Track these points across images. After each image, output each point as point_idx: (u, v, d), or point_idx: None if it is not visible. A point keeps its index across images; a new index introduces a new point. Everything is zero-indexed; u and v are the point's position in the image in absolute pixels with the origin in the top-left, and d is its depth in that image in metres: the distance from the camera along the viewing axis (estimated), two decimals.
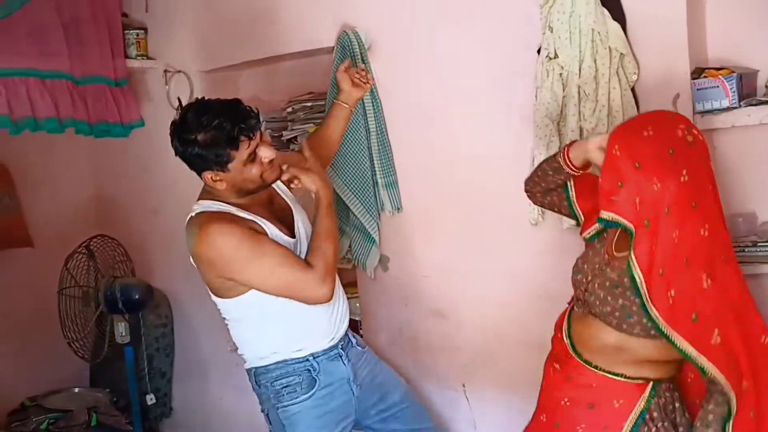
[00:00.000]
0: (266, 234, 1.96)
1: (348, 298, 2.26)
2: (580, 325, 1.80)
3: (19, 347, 3.51)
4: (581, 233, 1.84)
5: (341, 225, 2.74)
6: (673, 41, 2.05)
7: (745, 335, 1.59)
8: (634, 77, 2.10)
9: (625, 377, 1.72)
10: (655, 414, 1.71)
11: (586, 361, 1.76)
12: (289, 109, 2.93)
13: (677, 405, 1.75)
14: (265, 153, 1.93)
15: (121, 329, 3.19)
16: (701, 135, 1.66)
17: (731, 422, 1.58)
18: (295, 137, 2.91)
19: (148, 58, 3.26)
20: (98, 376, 3.68)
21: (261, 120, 1.98)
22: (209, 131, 1.85)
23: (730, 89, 1.98)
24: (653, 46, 2.08)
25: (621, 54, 2.08)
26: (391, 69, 2.60)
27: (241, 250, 1.90)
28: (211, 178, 1.94)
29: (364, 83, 2.34)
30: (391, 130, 2.64)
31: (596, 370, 1.74)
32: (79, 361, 3.46)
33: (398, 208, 2.66)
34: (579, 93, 2.12)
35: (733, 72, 2.00)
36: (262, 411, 2.16)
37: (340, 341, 2.13)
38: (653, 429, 1.71)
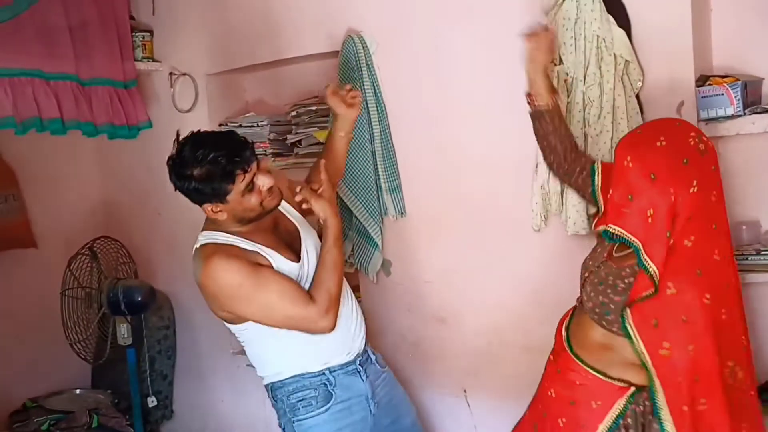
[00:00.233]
0: (270, 266, 1.96)
1: None
2: (577, 320, 1.84)
3: (21, 348, 3.51)
4: (595, 226, 1.79)
5: (344, 229, 2.74)
6: (678, 48, 2.06)
7: (721, 362, 1.61)
8: (639, 84, 2.10)
9: (608, 376, 1.73)
10: (629, 420, 1.72)
11: (575, 355, 1.80)
12: (294, 113, 2.94)
13: (651, 417, 1.74)
14: (263, 182, 1.93)
15: (124, 331, 3.19)
16: (710, 142, 1.66)
17: None
18: (300, 141, 2.92)
19: (154, 60, 3.27)
20: (100, 378, 3.67)
21: (255, 152, 1.95)
22: (204, 166, 1.86)
23: (735, 97, 1.98)
24: (658, 53, 2.09)
25: (626, 61, 2.08)
26: (395, 73, 2.60)
27: (244, 287, 1.90)
28: (212, 210, 1.95)
29: (355, 101, 2.26)
30: (395, 135, 2.64)
31: (583, 365, 1.77)
32: (80, 362, 3.46)
33: (402, 213, 2.66)
34: (583, 99, 2.13)
35: (738, 80, 2.00)
36: (280, 425, 2.14)
37: (357, 356, 2.11)
38: None
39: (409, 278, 2.70)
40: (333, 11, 2.71)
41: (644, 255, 1.60)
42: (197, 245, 2.00)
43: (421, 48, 2.54)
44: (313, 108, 2.88)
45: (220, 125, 3.12)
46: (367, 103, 2.58)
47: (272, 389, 2.09)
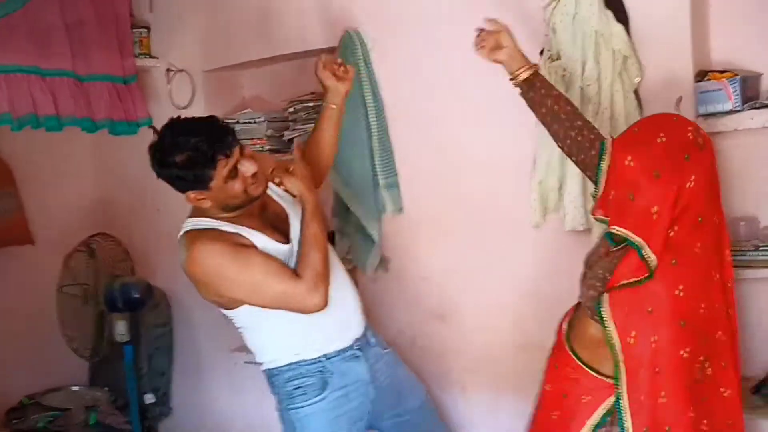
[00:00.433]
0: (254, 246, 1.93)
1: None
2: (577, 315, 1.85)
3: (18, 345, 3.50)
4: (592, 212, 1.76)
5: (342, 225, 2.73)
6: (676, 44, 2.05)
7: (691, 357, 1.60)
8: (637, 80, 2.09)
9: (600, 373, 1.74)
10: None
11: (572, 350, 1.81)
12: (291, 109, 2.93)
13: None
14: (246, 167, 1.90)
15: (121, 328, 3.17)
16: (708, 136, 1.67)
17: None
18: (297, 137, 2.90)
19: (151, 56, 3.26)
20: (97, 375, 3.66)
21: (237, 137, 1.91)
22: (185, 152, 1.83)
23: (734, 92, 1.98)
24: (657, 49, 2.08)
25: (624, 56, 2.07)
26: (393, 69, 2.60)
27: (227, 268, 1.88)
28: (195, 197, 1.92)
29: (346, 75, 2.20)
30: (393, 132, 2.63)
31: (577, 360, 1.78)
32: (78, 359, 3.46)
33: (399, 209, 2.65)
34: (581, 95, 2.12)
35: (737, 75, 1.99)
36: (278, 411, 2.12)
37: (355, 341, 2.08)
38: None
39: (408, 275, 2.70)
40: (330, 7, 2.70)
41: (647, 251, 1.59)
42: (180, 233, 1.98)
43: (419, 44, 2.53)
44: (311, 104, 2.87)
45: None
46: (364, 100, 2.57)
47: (269, 376, 2.08)
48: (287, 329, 2.00)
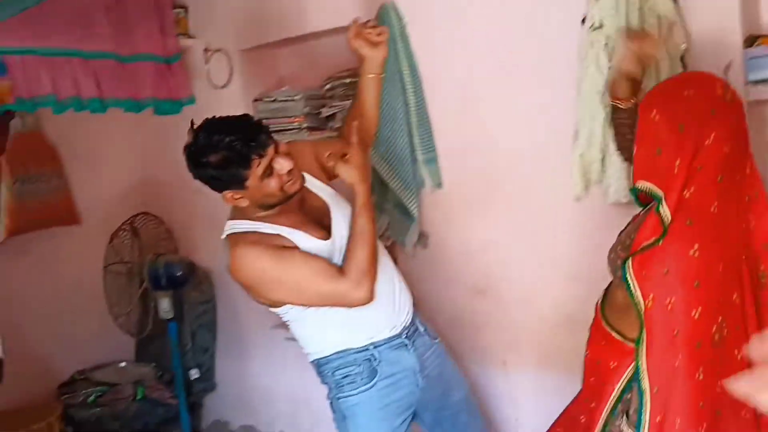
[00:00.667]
0: (295, 247, 1.92)
1: None
2: (612, 282, 1.84)
3: (68, 322, 3.60)
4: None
5: (380, 202, 2.72)
6: (724, 8, 1.97)
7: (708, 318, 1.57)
8: (684, 46, 2.02)
9: (626, 338, 1.72)
10: None
11: (603, 316, 1.81)
12: (328, 86, 2.91)
13: None
14: (282, 165, 1.88)
15: (165, 305, 3.23)
16: (737, 93, 1.64)
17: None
18: (334, 114, 2.89)
19: (189, 36, 3.28)
20: (144, 351, 3.75)
21: (271, 135, 1.89)
22: (220, 152, 1.82)
23: None
24: (704, 14, 2.00)
25: (670, 22, 2.00)
26: (430, 43, 2.56)
27: (269, 271, 1.88)
28: (232, 197, 1.91)
29: (380, 38, 2.12)
30: (431, 106, 2.60)
31: (606, 326, 1.78)
32: (125, 336, 3.54)
33: (438, 184, 2.63)
34: None
35: None
36: (328, 399, 2.12)
37: (404, 330, 2.06)
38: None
39: (447, 250, 2.68)
40: None
41: (664, 205, 1.57)
42: (223, 236, 1.99)
43: (455, 16, 2.49)
44: (347, 81, 2.84)
45: (255, 100, 3.12)
46: (401, 75, 2.55)
47: (318, 365, 2.08)
48: (334, 321, 1.99)
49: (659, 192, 1.58)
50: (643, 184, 1.60)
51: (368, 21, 2.20)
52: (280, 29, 3.02)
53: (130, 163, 3.78)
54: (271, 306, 2.01)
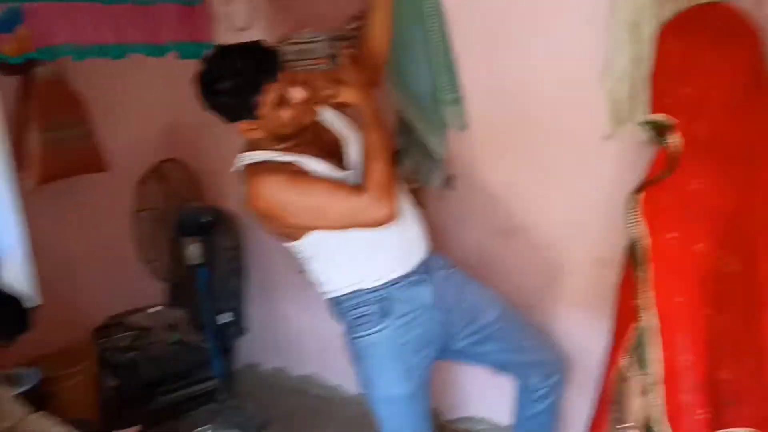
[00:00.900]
0: (309, 173, 1.89)
1: None
2: None
3: (101, 268, 3.66)
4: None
5: (406, 144, 2.68)
6: None
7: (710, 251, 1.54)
8: None
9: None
10: None
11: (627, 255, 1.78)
12: (352, 26, 2.85)
13: None
14: (295, 94, 1.84)
15: (193, 251, 3.24)
16: (757, 26, 1.58)
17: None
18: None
19: None
20: (176, 296, 3.80)
21: (283, 61, 1.84)
22: (231, 78, 1.79)
23: None
24: None
25: None
26: None
27: (287, 196, 1.84)
28: (245, 127, 1.88)
29: None
30: (456, 44, 2.53)
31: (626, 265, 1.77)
32: (157, 281, 3.59)
33: (464, 126, 2.57)
34: None
35: None
36: (344, 339, 2.12)
37: (418, 267, 2.03)
38: None
39: (474, 192, 2.65)
40: None
41: (675, 135, 1.55)
42: (236, 168, 1.97)
43: None
44: None
45: (277, 43, 3.07)
46: (424, 13, 2.47)
47: (333, 305, 2.08)
48: (349, 257, 1.98)
49: (670, 120, 1.55)
50: (656, 116, 1.57)
51: None
52: None
53: (156, 108, 3.75)
54: (290, 238, 1.99)
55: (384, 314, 1.99)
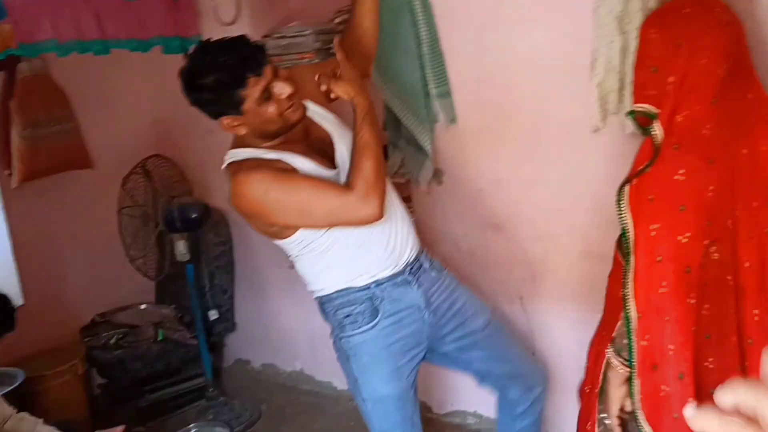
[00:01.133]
0: (294, 170, 1.85)
1: None
2: None
3: (87, 266, 3.63)
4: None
5: (394, 138, 2.67)
6: None
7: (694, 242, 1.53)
8: None
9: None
10: None
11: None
12: (338, 20, 2.83)
13: None
14: (281, 89, 1.81)
15: (181, 247, 3.22)
16: (737, 16, 1.60)
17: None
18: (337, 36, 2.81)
19: None
20: (163, 293, 3.78)
21: (268, 53, 1.82)
22: (214, 72, 1.76)
23: None
24: None
25: None
26: None
27: (272, 193, 1.80)
28: (229, 124, 1.85)
29: None
30: (444, 38, 2.52)
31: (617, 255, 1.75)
32: (145, 278, 3.56)
33: (452, 119, 2.57)
34: None
35: None
36: (331, 339, 2.09)
37: (407, 266, 2.00)
38: None
39: (462, 186, 2.64)
40: None
41: (658, 124, 1.55)
42: (223, 166, 1.93)
43: None
44: None
45: (263, 37, 3.04)
46: (412, 6, 2.46)
47: (320, 304, 2.05)
48: (337, 255, 1.94)
49: (654, 110, 1.56)
50: (639, 107, 1.59)
51: None
52: None
53: (141, 104, 3.72)
54: (276, 236, 1.96)
55: (373, 314, 1.97)
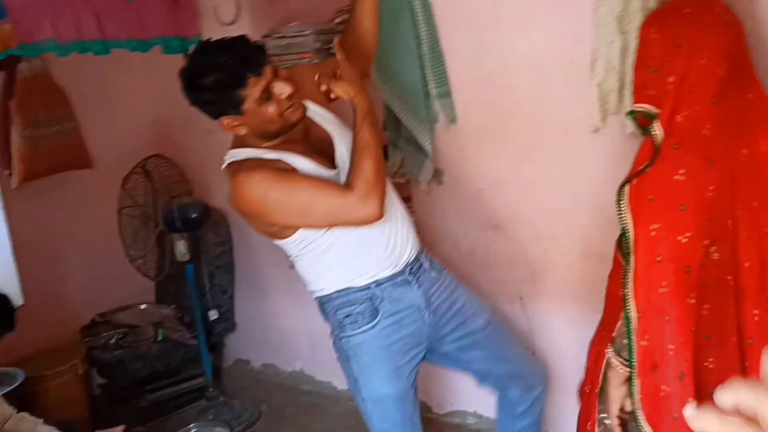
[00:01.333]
0: (294, 170, 1.85)
1: None
2: None
3: (87, 266, 3.63)
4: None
5: (394, 138, 2.67)
6: None
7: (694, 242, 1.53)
8: None
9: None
10: None
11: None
12: (338, 20, 2.83)
13: None
14: (281, 89, 1.81)
15: (181, 247, 3.22)
16: (737, 16, 1.60)
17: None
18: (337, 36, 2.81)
19: None
20: (163, 293, 3.78)
21: (268, 53, 1.82)
22: (214, 73, 1.76)
23: None
24: None
25: None
26: None
27: (272, 193, 1.80)
28: (229, 124, 1.85)
29: None
30: (444, 38, 2.52)
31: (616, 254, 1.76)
32: (145, 278, 3.56)
33: (452, 119, 2.57)
34: None
35: None
36: (331, 339, 2.09)
37: (407, 266, 2.00)
38: None
39: (462, 186, 2.64)
40: None
41: (658, 124, 1.55)
42: (223, 166, 1.93)
43: None
44: None
45: (264, 37, 3.05)
46: (412, 6, 2.46)
47: (320, 304, 2.05)
48: (337, 255, 1.94)
49: (654, 110, 1.56)
50: (639, 107, 1.59)
51: None
52: None
53: (141, 104, 3.72)
54: (276, 237, 1.96)
55: (373, 314, 1.97)
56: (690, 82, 1.52)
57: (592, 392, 1.80)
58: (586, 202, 2.33)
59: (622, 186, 1.61)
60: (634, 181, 1.59)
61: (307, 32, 2.91)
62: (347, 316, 1.98)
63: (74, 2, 2.71)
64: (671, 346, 1.56)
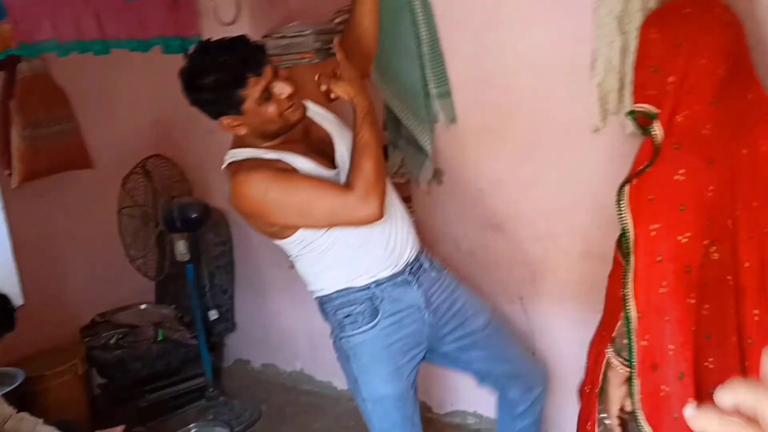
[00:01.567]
0: (294, 170, 1.85)
1: None
2: None
3: (87, 266, 3.63)
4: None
5: (394, 138, 2.67)
6: None
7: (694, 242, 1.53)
8: None
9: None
10: None
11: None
12: (338, 20, 2.83)
13: None
14: (281, 89, 1.81)
15: (181, 247, 3.22)
16: (737, 16, 1.60)
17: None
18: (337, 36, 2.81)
19: None
20: (163, 293, 3.77)
21: (268, 53, 1.82)
22: (214, 73, 1.76)
23: None
24: None
25: None
26: None
27: (272, 193, 1.80)
28: (229, 124, 1.85)
29: None
30: (444, 38, 2.52)
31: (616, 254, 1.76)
32: (145, 278, 3.56)
33: (452, 119, 2.57)
34: None
35: None
36: (331, 339, 2.09)
37: (407, 266, 2.00)
38: None
39: (462, 186, 2.64)
40: None
41: (658, 124, 1.55)
42: (223, 166, 1.93)
43: None
44: None
45: (263, 37, 3.05)
46: (412, 6, 2.46)
47: (320, 304, 2.05)
48: (337, 255, 1.94)
49: (654, 110, 1.56)
50: (639, 107, 1.59)
51: None
52: None
53: (141, 104, 3.72)
54: (276, 237, 1.96)
55: (373, 314, 1.97)
56: (690, 82, 1.52)
57: (592, 392, 1.80)
58: (586, 202, 2.33)
59: (622, 186, 1.61)
60: (634, 181, 1.59)
61: (307, 32, 2.91)
62: (347, 316, 1.98)
63: (74, 2, 2.71)
64: (671, 346, 1.56)
